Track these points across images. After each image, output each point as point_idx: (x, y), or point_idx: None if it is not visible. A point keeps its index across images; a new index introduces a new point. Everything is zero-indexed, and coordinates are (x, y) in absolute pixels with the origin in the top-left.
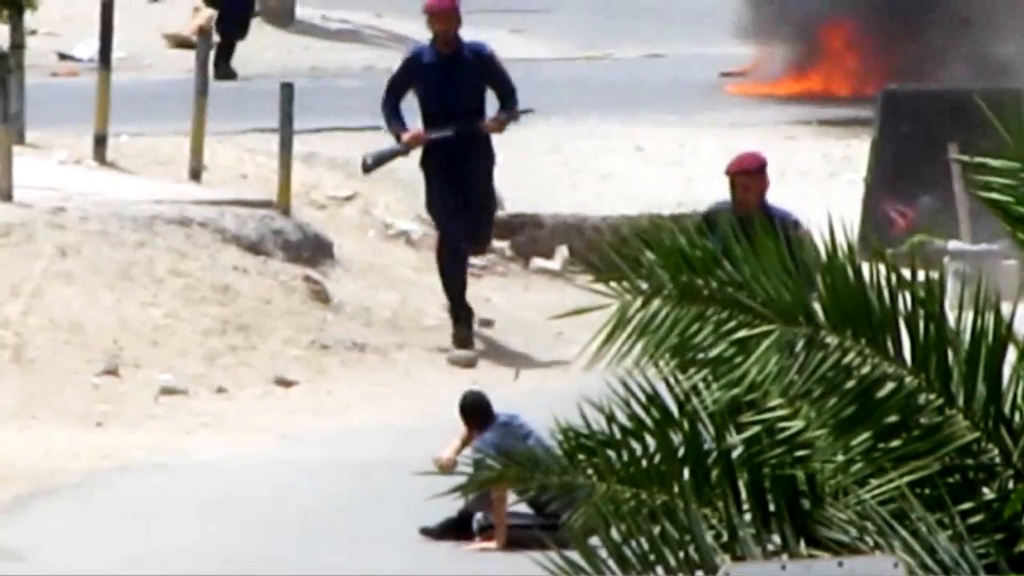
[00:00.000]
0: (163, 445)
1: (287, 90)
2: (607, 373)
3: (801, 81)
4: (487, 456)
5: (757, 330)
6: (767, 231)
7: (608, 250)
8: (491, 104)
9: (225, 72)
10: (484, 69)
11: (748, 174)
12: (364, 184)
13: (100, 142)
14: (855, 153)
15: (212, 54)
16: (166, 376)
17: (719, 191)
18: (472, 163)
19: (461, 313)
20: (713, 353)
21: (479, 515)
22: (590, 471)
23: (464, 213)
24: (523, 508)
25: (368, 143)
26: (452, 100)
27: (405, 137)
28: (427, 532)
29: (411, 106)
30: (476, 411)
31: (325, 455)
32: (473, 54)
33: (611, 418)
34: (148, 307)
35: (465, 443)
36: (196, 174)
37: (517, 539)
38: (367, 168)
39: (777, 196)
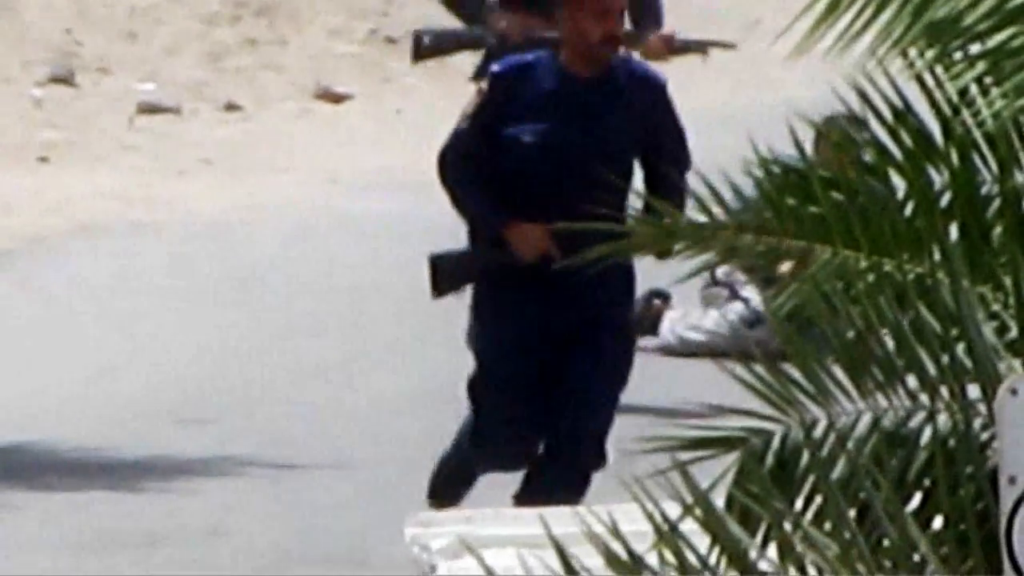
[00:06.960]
0: (141, 192)
1: None
2: (826, 69)
3: None
4: None
5: None
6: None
7: None
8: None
9: None
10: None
11: None
12: None
13: None
14: None
15: None
16: (146, 86)
17: None
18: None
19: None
20: (1001, 37)
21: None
22: (803, 225)
23: None
24: None
25: None
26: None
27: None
28: None
29: None
30: None
31: (395, 207)
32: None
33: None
34: None
35: None
36: None
37: None
38: (420, 53)
39: None
